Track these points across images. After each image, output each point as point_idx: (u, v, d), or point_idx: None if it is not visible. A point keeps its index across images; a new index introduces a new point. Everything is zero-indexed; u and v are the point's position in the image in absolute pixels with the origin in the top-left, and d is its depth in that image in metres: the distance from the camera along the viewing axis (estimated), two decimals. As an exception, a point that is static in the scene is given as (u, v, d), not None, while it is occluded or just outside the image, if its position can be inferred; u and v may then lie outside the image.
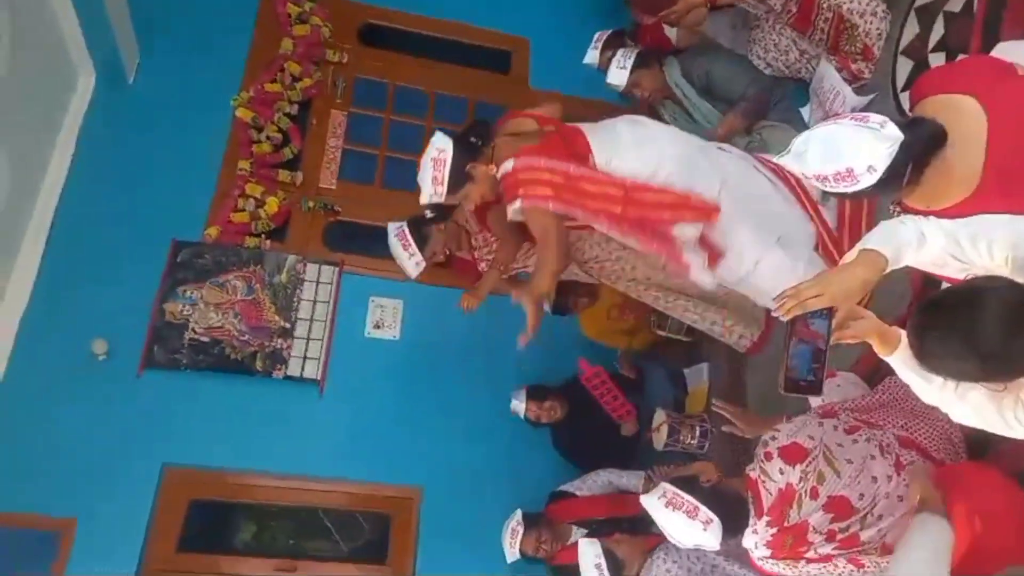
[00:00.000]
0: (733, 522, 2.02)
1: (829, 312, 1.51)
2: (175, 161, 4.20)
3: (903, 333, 1.52)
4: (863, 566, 1.94)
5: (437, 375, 4.12)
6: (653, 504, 2.12)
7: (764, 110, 3.08)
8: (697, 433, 3.41)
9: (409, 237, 3.10)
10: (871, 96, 2.75)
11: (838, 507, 1.96)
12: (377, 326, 4.17)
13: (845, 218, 2.71)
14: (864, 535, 1.95)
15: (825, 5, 2.73)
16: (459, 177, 2.67)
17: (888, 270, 1.52)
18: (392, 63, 4.84)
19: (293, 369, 3.98)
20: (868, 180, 1.66)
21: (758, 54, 3.08)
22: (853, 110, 2.74)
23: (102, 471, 3.60)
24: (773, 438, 2.08)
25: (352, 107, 4.61)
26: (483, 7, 4.99)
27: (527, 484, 3.81)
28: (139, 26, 4.29)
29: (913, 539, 1.67)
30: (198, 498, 3.76)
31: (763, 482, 2.02)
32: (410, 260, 3.12)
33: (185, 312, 3.96)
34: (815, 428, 2.09)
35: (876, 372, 2.43)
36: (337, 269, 4.21)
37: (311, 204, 4.32)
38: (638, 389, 3.84)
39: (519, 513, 3.36)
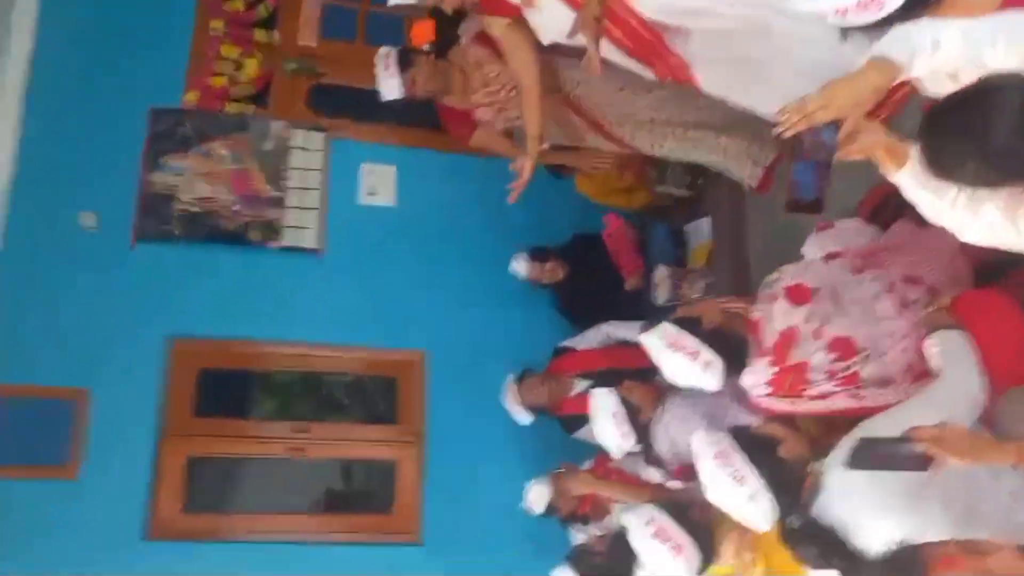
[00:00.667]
0: (734, 363, 2.05)
1: (835, 126, 1.44)
2: (144, 24, 3.95)
3: (912, 148, 1.45)
4: (864, 399, 1.98)
5: (436, 240, 4.08)
6: (653, 343, 2.13)
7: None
8: (700, 286, 3.43)
9: (394, 58, 2.98)
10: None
11: (841, 347, 1.97)
12: (371, 193, 4.08)
13: None
14: (864, 372, 1.97)
15: None
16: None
17: (900, 78, 1.43)
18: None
19: (289, 239, 3.92)
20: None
21: None
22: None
23: (107, 344, 3.61)
24: (777, 279, 2.07)
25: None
26: None
27: (530, 343, 3.86)
28: None
29: (946, 363, 1.67)
30: (207, 367, 3.81)
31: (767, 323, 2.02)
32: (388, 81, 3.01)
33: (172, 182, 3.85)
34: (821, 267, 2.08)
35: (880, 211, 2.39)
36: (325, 136, 4.07)
37: (293, 66, 4.12)
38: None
39: (510, 376, 3.47)
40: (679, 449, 2.68)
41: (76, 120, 3.76)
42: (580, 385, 3.48)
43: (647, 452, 2.72)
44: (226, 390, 3.94)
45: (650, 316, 3.53)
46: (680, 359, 2.06)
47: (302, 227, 3.94)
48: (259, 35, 4.09)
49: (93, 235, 3.71)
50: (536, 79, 2.74)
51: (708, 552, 2.12)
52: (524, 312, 3.99)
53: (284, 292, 3.86)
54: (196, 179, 3.88)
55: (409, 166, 4.13)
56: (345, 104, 4.21)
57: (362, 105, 4.17)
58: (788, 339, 2.00)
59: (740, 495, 1.88)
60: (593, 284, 3.82)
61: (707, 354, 2.04)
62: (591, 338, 3.59)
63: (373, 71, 3.18)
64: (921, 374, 1.87)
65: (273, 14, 4.16)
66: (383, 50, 3.13)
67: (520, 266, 3.79)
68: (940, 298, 1.90)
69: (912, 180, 1.48)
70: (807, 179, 1.46)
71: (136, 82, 3.89)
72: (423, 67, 3.07)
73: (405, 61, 3.06)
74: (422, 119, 4.12)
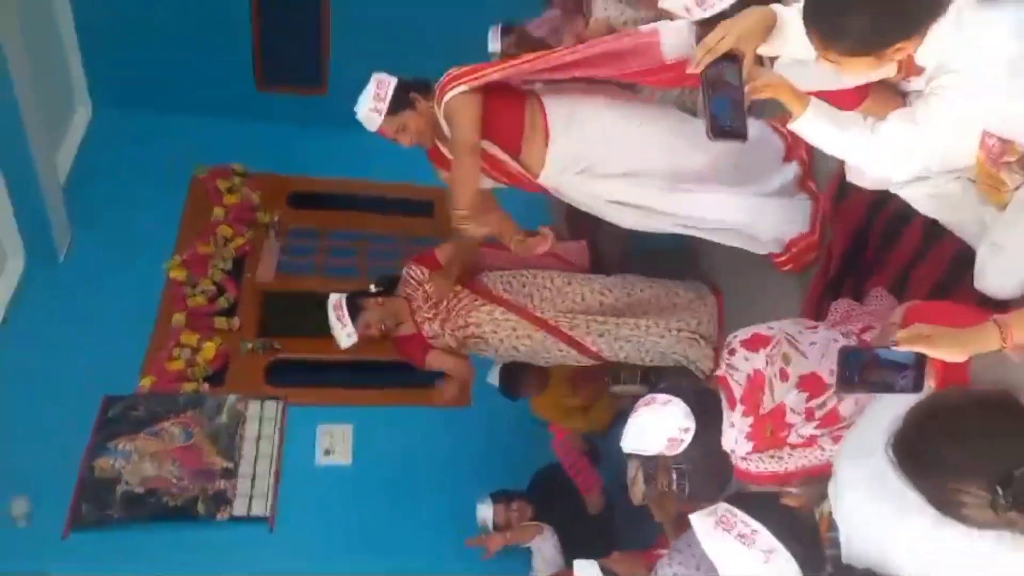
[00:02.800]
0: (705, 412, 1.92)
1: (738, 63, 1.57)
2: (107, 323, 4.16)
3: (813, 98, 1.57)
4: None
5: (396, 496, 3.87)
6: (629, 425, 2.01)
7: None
8: (674, 476, 3.22)
9: (344, 309, 3.07)
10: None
11: (810, 385, 1.88)
12: (327, 453, 3.95)
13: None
14: (843, 409, 1.86)
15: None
16: (401, 100, 2.61)
17: (779, 22, 1.59)
18: (323, 219, 5.08)
19: (239, 509, 3.67)
20: None
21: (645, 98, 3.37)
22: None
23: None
24: (734, 336, 2.04)
25: (287, 240, 4.77)
26: (400, 165, 5.31)
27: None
28: (72, 207, 4.47)
29: None
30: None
31: (731, 375, 1.95)
32: (343, 331, 3.05)
33: (117, 465, 3.69)
34: (773, 322, 2.06)
35: (821, 307, 2.44)
36: (281, 403, 4.06)
37: (250, 346, 4.26)
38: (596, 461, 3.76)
39: None
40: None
41: (27, 412, 3.73)
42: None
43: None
44: None
45: (629, 532, 3.29)
46: (641, 413, 1.95)
47: (254, 495, 3.72)
48: (219, 322, 4.30)
49: (23, 528, 3.43)
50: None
51: None
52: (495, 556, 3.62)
53: (232, 566, 3.51)
54: (143, 460, 3.74)
55: (365, 423, 4.07)
56: (303, 375, 4.29)
57: (320, 372, 4.29)
58: (755, 384, 1.92)
59: (754, 558, 1.63)
60: (564, 517, 3.58)
61: (665, 396, 1.95)
62: (550, 561, 3.35)
63: (330, 334, 3.28)
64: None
65: (234, 304, 4.42)
66: (333, 298, 3.20)
67: (486, 513, 3.56)
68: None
69: (818, 116, 1.57)
70: (725, 110, 1.56)
71: (93, 374, 3.95)
72: (373, 310, 3.18)
73: (355, 309, 3.17)
74: (377, 380, 4.22)
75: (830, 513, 1.59)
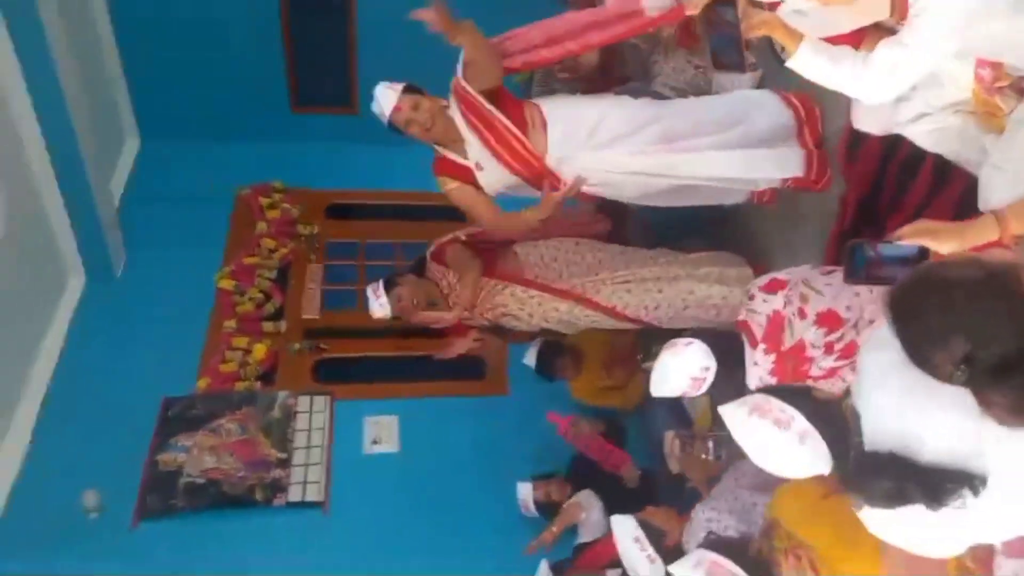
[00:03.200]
0: (728, 354, 2.04)
1: (733, 4, 1.72)
2: (163, 333, 4.39)
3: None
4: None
5: (442, 481, 3.99)
6: (654, 371, 2.14)
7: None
8: (710, 444, 3.33)
9: (381, 286, 3.26)
10: (760, 71, 3.20)
11: (828, 320, 2.00)
12: (375, 442, 4.13)
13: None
14: (861, 340, 1.96)
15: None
16: (416, 87, 2.86)
17: None
18: (359, 229, 5.31)
19: (294, 495, 3.86)
20: None
21: (660, 83, 3.55)
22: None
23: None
24: (753, 283, 2.17)
25: (327, 260, 4.98)
26: (430, 176, 5.59)
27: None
28: (125, 229, 4.76)
29: None
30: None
31: (751, 317, 2.07)
32: (376, 302, 3.23)
33: (179, 460, 3.90)
34: (790, 268, 2.19)
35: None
36: (329, 398, 4.25)
37: (297, 346, 4.48)
38: (618, 438, 3.86)
39: (544, 565, 3.18)
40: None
41: (93, 409, 3.97)
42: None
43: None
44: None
45: (671, 498, 3.39)
46: (667, 356, 2.08)
47: (307, 482, 3.90)
48: (267, 326, 4.52)
49: (94, 520, 3.64)
50: (492, 207, 3.04)
51: None
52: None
53: (290, 549, 3.68)
54: (203, 454, 3.94)
55: (410, 414, 4.24)
56: (350, 372, 4.49)
57: (366, 370, 4.49)
58: (776, 324, 2.04)
59: (789, 440, 1.68)
60: (606, 492, 3.65)
61: (688, 339, 2.06)
62: (594, 527, 3.41)
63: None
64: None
65: (280, 309, 4.65)
66: (371, 285, 3.43)
67: (525, 493, 3.71)
68: None
69: (811, 52, 1.71)
70: (725, 45, 1.72)
71: (152, 379, 4.18)
72: (406, 285, 3.35)
73: (390, 285, 3.37)
74: (419, 374, 4.40)
75: (853, 405, 1.70)
